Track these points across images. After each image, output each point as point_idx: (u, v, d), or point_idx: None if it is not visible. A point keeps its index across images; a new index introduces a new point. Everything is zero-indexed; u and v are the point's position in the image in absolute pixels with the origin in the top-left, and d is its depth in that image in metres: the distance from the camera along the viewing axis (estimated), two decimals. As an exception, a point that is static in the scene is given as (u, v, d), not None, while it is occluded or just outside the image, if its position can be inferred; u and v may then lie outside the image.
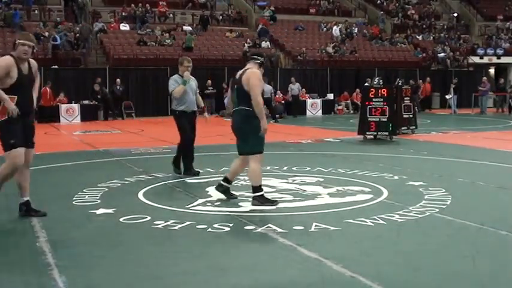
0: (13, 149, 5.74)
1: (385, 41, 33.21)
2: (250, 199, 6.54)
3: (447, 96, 27.02)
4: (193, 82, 8.83)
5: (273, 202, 6.37)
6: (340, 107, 27.24)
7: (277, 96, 26.48)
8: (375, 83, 15.95)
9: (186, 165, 8.65)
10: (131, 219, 5.79)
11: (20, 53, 5.77)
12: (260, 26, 30.88)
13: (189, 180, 8.25)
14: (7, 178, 5.95)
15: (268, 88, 23.64)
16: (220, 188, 6.72)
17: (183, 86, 8.50)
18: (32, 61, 5.99)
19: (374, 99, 13.95)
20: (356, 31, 33.12)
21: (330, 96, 27.65)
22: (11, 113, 5.63)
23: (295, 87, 25.62)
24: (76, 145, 14.14)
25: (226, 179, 6.70)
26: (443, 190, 7.15)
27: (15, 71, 5.70)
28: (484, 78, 27.09)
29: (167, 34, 28.00)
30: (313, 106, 26.40)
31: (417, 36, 34.72)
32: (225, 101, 24.06)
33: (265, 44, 29.54)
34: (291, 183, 7.81)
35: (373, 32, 33.64)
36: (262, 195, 6.40)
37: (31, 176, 8.81)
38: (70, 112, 22.60)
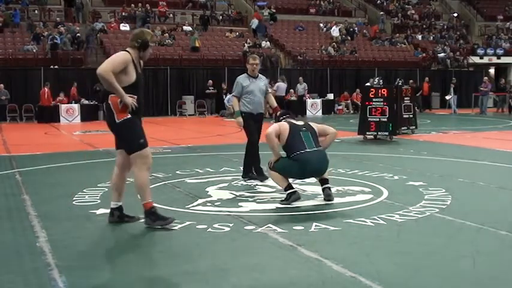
0: (143, 149, 5.41)
1: (385, 41, 33.23)
2: (252, 200, 6.62)
3: (447, 97, 27.04)
4: (261, 82, 8.21)
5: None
6: (340, 107, 27.26)
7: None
8: (375, 83, 15.97)
9: (256, 169, 8.13)
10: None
11: (147, 56, 5.51)
12: (256, 22, 30.84)
13: (189, 180, 8.25)
14: (147, 183, 5.47)
15: (283, 86, 23.63)
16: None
17: (235, 115, 8.23)
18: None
19: (374, 99, 13.96)
20: (356, 31, 33.13)
21: (330, 96, 27.66)
22: (130, 107, 5.28)
23: (300, 88, 25.67)
24: (76, 145, 14.15)
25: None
26: (443, 190, 7.15)
27: (133, 69, 5.39)
28: (485, 78, 27.09)
29: (167, 34, 28.02)
30: (313, 106, 26.42)
31: (417, 36, 34.74)
32: (225, 101, 24.08)
33: (265, 44, 29.56)
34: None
35: (373, 30, 33.60)
36: None
37: (31, 175, 8.86)
38: (70, 112, 22.60)
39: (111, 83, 5.23)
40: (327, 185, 6.62)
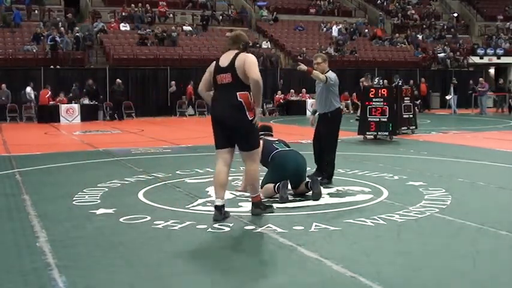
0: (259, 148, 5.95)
1: (385, 41, 33.21)
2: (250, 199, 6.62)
3: (447, 97, 27.03)
4: (327, 78, 7.60)
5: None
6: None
7: (276, 96, 26.51)
8: (375, 83, 15.98)
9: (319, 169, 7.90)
10: (131, 219, 5.79)
11: None
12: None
13: (189, 180, 8.25)
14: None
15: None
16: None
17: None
18: None
19: (374, 99, 13.96)
20: (356, 31, 33.13)
21: (330, 96, 27.62)
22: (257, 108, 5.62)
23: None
24: (76, 145, 14.14)
25: None
26: (443, 190, 7.15)
27: None
28: (481, 79, 27.07)
29: (172, 33, 28.01)
30: (314, 106, 26.37)
31: (417, 36, 34.73)
32: None
33: (265, 44, 29.57)
34: (291, 183, 7.78)
35: (376, 33, 33.54)
36: None
37: (31, 175, 8.86)
38: (70, 112, 22.58)
39: (261, 88, 5.49)
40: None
